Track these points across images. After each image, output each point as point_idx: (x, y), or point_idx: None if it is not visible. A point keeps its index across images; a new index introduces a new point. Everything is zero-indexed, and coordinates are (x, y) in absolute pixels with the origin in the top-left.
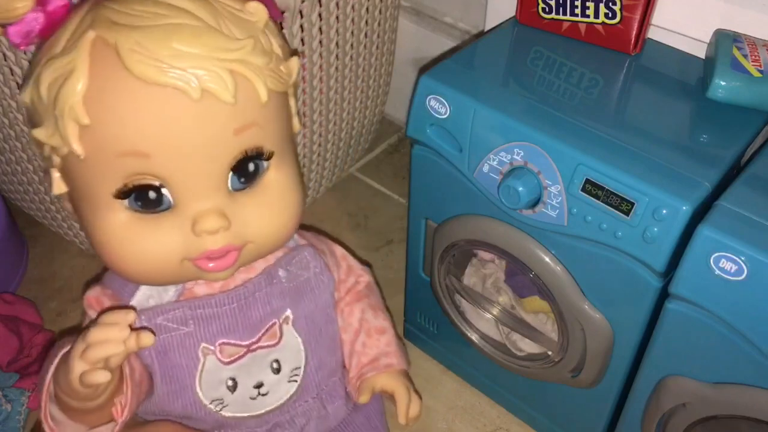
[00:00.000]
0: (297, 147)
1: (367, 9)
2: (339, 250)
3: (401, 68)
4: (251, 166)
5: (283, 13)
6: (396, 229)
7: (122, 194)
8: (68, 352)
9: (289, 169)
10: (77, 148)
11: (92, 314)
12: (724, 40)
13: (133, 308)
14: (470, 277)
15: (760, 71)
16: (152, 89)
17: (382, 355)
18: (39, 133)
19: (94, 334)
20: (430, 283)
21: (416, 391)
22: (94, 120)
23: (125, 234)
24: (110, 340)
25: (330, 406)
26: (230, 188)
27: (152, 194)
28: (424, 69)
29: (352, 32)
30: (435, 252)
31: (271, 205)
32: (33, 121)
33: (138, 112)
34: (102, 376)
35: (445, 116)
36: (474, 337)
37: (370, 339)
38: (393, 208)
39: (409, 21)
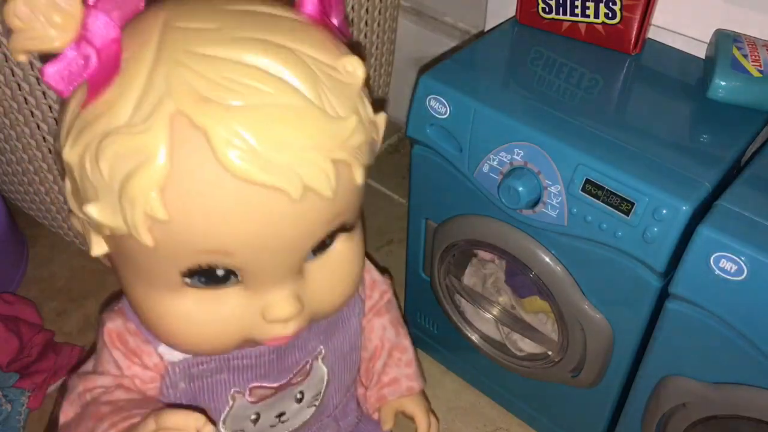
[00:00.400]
0: None
1: (367, 9)
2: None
3: (401, 68)
4: (327, 239)
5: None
6: (396, 229)
7: (189, 273)
8: None
9: (357, 235)
10: (147, 240)
11: (116, 354)
12: (724, 40)
13: (205, 413)
14: (470, 277)
15: (760, 71)
16: (247, 188)
17: (403, 376)
18: (93, 212)
19: None
20: (430, 283)
21: (433, 412)
22: (173, 215)
23: (188, 316)
24: None
25: (343, 421)
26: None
27: (220, 272)
28: (424, 69)
29: (352, 33)
30: (435, 252)
31: (340, 275)
32: (81, 191)
33: (228, 212)
34: None
35: (445, 116)
36: (474, 337)
37: (391, 359)
38: (393, 208)
39: (409, 21)
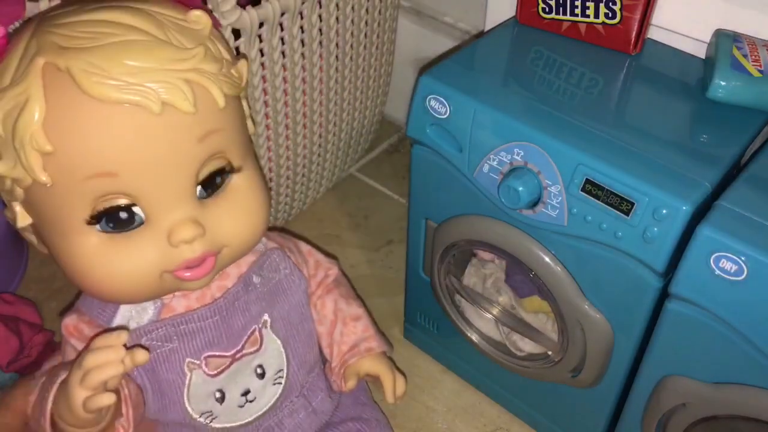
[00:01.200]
0: (298, 146)
1: (367, 9)
2: (305, 247)
3: (401, 68)
4: (216, 177)
5: (221, 25)
6: (396, 229)
7: (93, 219)
8: (64, 382)
9: (252, 171)
10: (43, 177)
11: (74, 342)
12: (724, 40)
13: (124, 328)
14: (470, 277)
15: (760, 71)
16: (112, 108)
17: (361, 340)
18: (0, 168)
19: (91, 360)
20: (430, 283)
21: (399, 370)
22: (57, 146)
23: (100, 257)
24: (107, 362)
25: (314, 401)
26: (198, 196)
27: (123, 214)
28: (424, 69)
29: (352, 33)
30: (435, 252)
31: (241, 208)
32: None
33: (101, 133)
34: (107, 399)
35: (445, 116)
36: (474, 337)
37: (347, 327)
38: (393, 208)
39: (409, 21)
